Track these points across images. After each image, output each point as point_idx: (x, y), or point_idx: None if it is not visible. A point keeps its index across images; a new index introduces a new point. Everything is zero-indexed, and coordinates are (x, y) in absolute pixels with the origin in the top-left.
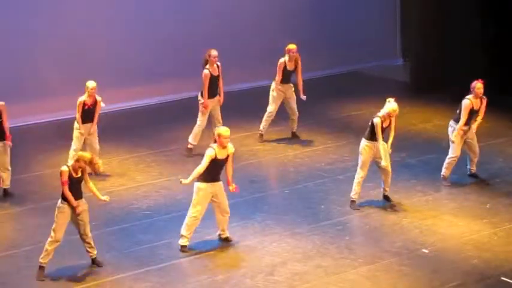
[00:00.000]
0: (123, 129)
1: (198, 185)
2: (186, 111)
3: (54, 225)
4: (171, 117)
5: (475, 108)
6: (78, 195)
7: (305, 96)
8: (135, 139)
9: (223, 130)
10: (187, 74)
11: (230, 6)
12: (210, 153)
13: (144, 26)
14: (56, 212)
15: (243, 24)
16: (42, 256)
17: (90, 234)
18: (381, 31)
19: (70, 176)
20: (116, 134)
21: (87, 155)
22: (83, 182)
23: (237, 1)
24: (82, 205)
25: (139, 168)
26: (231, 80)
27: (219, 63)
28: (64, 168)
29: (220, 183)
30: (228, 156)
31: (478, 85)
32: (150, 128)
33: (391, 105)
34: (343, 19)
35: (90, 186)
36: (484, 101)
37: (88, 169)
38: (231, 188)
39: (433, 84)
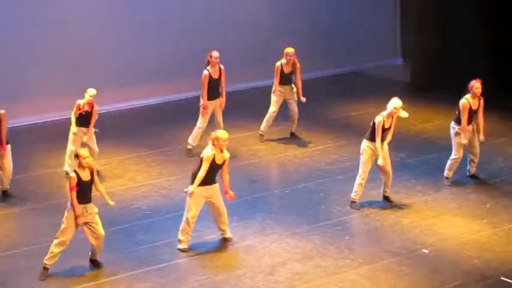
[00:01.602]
0: (123, 129)
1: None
2: (186, 111)
3: (62, 227)
4: (171, 117)
5: (473, 108)
6: (86, 199)
7: (304, 99)
8: (135, 139)
9: (221, 133)
10: (187, 74)
11: (230, 6)
12: (209, 157)
13: (145, 26)
14: (66, 214)
15: (243, 24)
16: (47, 257)
17: (102, 233)
18: (381, 31)
19: (79, 181)
20: (116, 134)
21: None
22: (94, 184)
23: (237, 1)
24: (89, 210)
25: (139, 168)
26: (231, 80)
27: (222, 67)
28: (72, 174)
29: (216, 185)
30: (224, 161)
31: (476, 85)
32: (150, 128)
33: (396, 101)
34: (343, 19)
35: (100, 189)
36: (482, 102)
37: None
38: (228, 196)
39: (433, 84)
